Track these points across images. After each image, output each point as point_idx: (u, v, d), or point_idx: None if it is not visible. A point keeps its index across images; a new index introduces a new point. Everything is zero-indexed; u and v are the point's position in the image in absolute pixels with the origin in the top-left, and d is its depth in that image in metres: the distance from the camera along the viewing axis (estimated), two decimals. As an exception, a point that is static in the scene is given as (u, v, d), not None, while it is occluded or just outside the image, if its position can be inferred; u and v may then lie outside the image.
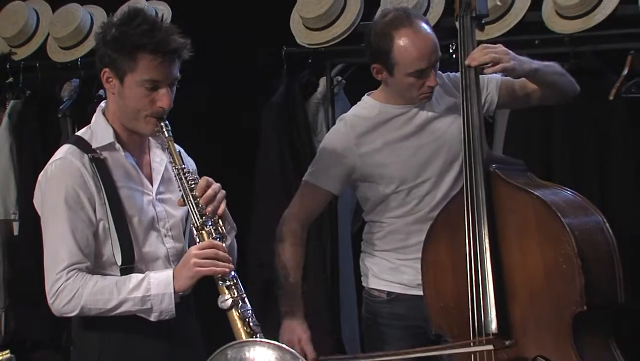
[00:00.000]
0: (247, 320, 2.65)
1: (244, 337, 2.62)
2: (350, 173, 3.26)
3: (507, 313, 2.95)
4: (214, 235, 2.73)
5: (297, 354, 2.37)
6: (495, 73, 3.13)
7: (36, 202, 2.83)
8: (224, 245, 2.73)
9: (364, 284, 3.38)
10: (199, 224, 2.73)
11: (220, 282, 2.68)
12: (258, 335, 2.63)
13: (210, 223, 2.73)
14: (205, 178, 2.78)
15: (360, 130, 3.26)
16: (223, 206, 2.76)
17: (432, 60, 3.14)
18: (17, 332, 4.43)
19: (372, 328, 3.34)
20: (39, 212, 2.82)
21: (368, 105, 3.32)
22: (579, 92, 3.31)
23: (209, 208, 2.73)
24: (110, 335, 2.78)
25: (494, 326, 2.93)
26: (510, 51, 3.11)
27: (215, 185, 2.76)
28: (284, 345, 2.41)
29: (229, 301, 2.65)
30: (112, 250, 2.76)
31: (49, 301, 2.75)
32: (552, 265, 2.90)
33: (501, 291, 2.94)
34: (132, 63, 2.71)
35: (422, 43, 3.13)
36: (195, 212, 2.73)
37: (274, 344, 2.43)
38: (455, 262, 3.03)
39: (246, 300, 2.68)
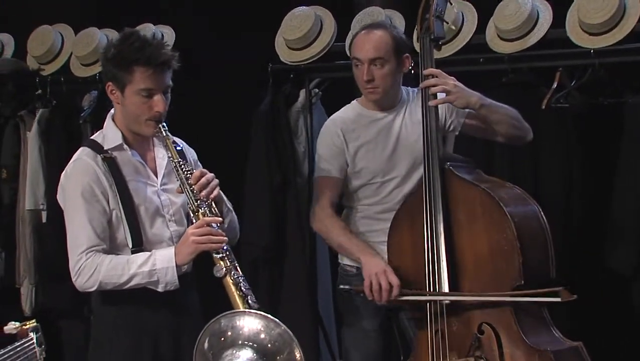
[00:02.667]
0: (239, 285, 2.64)
1: (237, 300, 2.61)
2: (346, 160, 3.24)
3: (458, 285, 2.95)
4: (208, 215, 2.70)
5: (279, 322, 2.35)
6: (438, 92, 3.08)
7: (59, 197, 2.81)
8: (216, 224, 2.70)
9: (339, 261, 3.36)
10: (194, 207, 2.72)
11: (215, 254, 2.67)
12: (249, 297, 2.61)
13: (204, 206, 2.71)
14: (199, 169, 2.77)
15: (346, 128, 3.25)
16: (216, 192, 2.73)
17: (368, 55, 3.14)
18: (45, 304, 4.39)
19: (345, 298, 3.31)
20: (62, 206, 2.80)
21: (354, 108, 3.31)
22: (531, 139, 3.28)
23: (203, 193, 2.71)
24: (124, 306, 2.77)
25: None
26: (459, 85, 3.06)
27: (209, 175, 2.74)
28: (268, 315, 2.39)
29: (223, 270, 2.64)
30: (124, 234, 2.75)
31: (73, 279, 2.74)
32: (496, 247, 2.91)
33: (453, 267, 2.95)
34: (129, 76, 2.70)
35: (365, 39, 3.16)
36: (190, 197, 2.71)
37: (259, 314, 2.41)
38: (415, 244, 3.03)
39: (238, 268, 2.67)
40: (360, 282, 3.14)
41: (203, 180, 2.72)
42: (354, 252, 3.16)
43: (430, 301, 2.97)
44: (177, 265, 2.71)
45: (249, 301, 2.61)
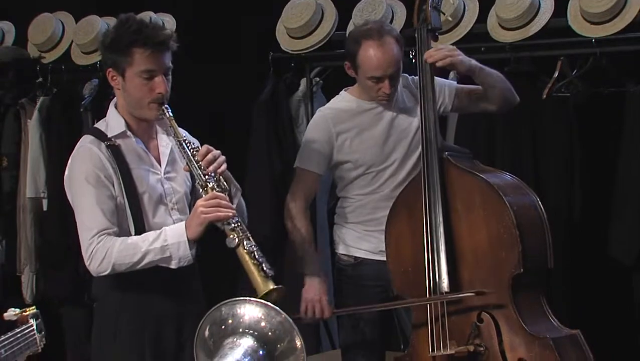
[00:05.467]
0: (253, 253, 2.63)
1: (252, 268, 2.61)
2: (331, 156, 3.23)
3: (457, 275, 2.96)
4: (217, 189, 2.69)
5: (280, 310, 2.34)
6: (445, 66, 3.11)
7: (66, 187, 2.80)
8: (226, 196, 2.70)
9: (336, 250, 3.37)
10: (203, 182, 2.70)
11: (226, 226, 2.66)
12: (264, 265, 2.62)
13: (213, 181, 2.70)
14: (205, 145, 2.75)
15: (337, 120, 3.23)
16: (224, 167, 2.73)
17: (388, 72, 3.12)
18: (46, 291, 4.40)
19: (343, 287, 3.33)
20: (69, 195, 2.79)
21: (345, 99, 3.29)
22: (518, 102, 3.29)
23: (210, 168, 2.70)
24: (127, 294, 2.76)
25: (445, 285, 2.95)
26: (458, 50, 3.13)
27: (216, 151, 2.73)
28: (268, 303, 2.38)
29: (236, 240, 2.63)
30: (127, 222, 2.74)
31: (86, 264, 2.73)
32: (495, 235, 2.91)
33: (452, 256, 2.96)
34: (128, 59, 2.69)
35: (381, 56, 3.10)
36: (198, 172, 2.70)
37: (260, 302, 2.40)
38: (413, 234, 3.04)
39: (250, 238, 2.66)
40: (356, 273, 3.23)
41: (209, 155, 2.71)
42: (304, 264, 3.22)
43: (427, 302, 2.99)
44: (188, 239, 2.68)
45: (264, 269, 2.61)
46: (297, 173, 3.28)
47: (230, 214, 2.66)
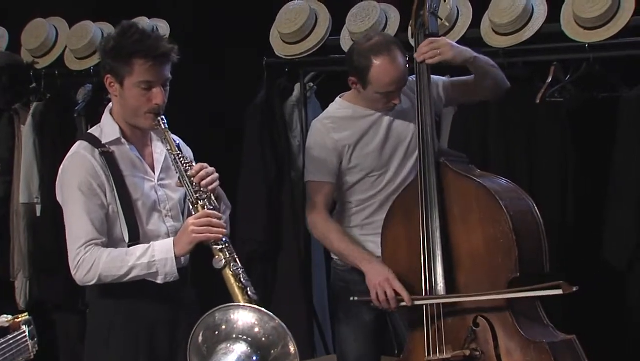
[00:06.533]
0: (238, 276, 2.61)
1: (237, 291, 2.59)
2: (340, 163, 3.21)
3: (453, 279, 2.95)
4: (208, 207, 2.68)
5: (273, 316, 2.34)
6: (435, 63, 3.10)
7: (57, 192, 2.78)
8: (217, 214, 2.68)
9: (331, 256, 3.34)
10: (193, 199, 2.69)
11: (215, 246, 2.65)
12: (248, 289, 2.59)
13: (204, 198, 2.69)
14: (200, 163, 2.74)
15: (336, 128, 3.21)
16: (216, 184, 2.71)
17: (400, 85, 3.12)
18: (39, 297, 4.39)
19: (340, 293, 3.30)
20: (60, 200, 2.77)
21: (341, 106, 3.27)
22: (509, 87, 3.30)
23: (202, 183, 2.68)
24: (120, 300, 2.74)
25: (441, 289, 2.94)
26: (451, 42, 3.14)
27: (209, 168, 2.72)
28: (262, 308, 2.37)
29: (222, 262, 2.62)
30: (121, 229, 2.73)
31: (72, 273, 2.71)
32: (491, 239, 2.91)
33: (448, 260, 2.95)
34: (128, 68, 2.68)
35: (394, 72, 3.09)
36: (190, 188, 2.69)
37: (253, 307, 2.40)
38: (410, 237, 3.03)
39: (237, 260, 2.65)
40: (353, 278, 3.17)
41: (202, 172, 2.70)
42: (354, 260, 3.14)
43: (435, 303, 2.96)
44: (176, 256, 2.68)
45: (249, 293, 2.59)
46: (311, 186, 3.23)
47: (220, 235, 2.65)
